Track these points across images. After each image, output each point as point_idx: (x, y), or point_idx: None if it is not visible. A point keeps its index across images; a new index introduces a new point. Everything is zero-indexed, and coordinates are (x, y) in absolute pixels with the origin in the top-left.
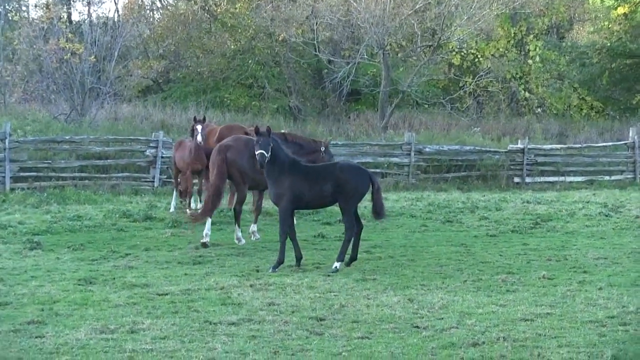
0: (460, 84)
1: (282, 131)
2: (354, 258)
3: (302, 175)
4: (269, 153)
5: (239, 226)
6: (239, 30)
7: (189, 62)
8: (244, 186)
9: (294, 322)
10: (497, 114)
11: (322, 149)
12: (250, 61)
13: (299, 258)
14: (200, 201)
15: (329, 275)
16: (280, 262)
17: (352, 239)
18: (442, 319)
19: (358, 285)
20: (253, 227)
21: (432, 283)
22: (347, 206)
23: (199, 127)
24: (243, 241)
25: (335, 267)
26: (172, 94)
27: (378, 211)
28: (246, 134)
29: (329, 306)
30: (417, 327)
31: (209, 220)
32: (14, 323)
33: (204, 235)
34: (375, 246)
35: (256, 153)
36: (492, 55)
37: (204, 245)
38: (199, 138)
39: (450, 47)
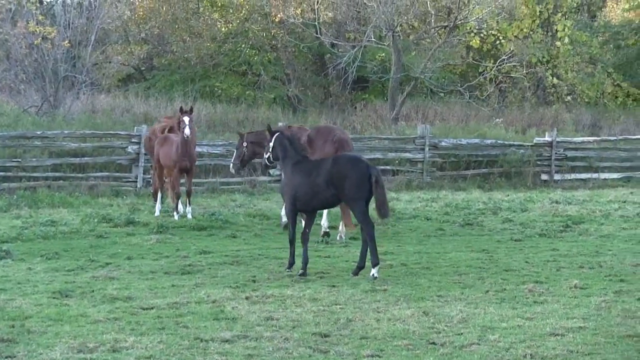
0: (480, 70)
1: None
2: (361, 267)
3: (297, 171)
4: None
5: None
6: (231, 11)
7: (174, 47)
8: None
9: (295, 338)
10: (522, 103)
11: None
12: (243, 45)
13: (291, 263)
14: (189, 203)
15: (334, 286)
16: (291, 263)
17: (362, 245)
18: (462, 334)
19: (367, 296)
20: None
21: (450, 294)
22: (351, 203)
23: (186, 119)
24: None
25: (373, 274)
26: (156, 83)
27: (380, 208)
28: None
29: (335, 321)
30: (434, 343)
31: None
32: None
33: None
34: (386, 252)
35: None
36: (516, 36)
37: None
38: (187, 131)
39: (468, 27)
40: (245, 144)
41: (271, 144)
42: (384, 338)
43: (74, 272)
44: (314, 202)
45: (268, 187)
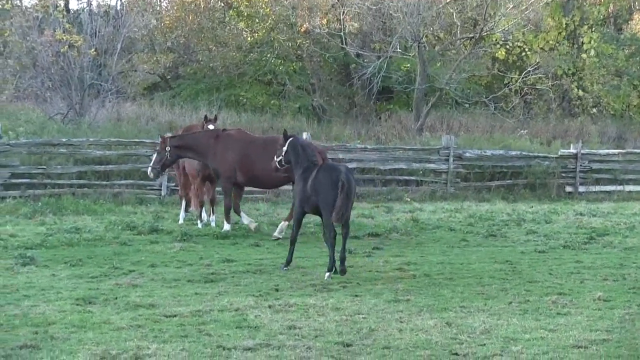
0: (505, 81)
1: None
2: (333, 266)
3: (302, 177)
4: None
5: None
6: (257, 20)
7: (200, 56)
8: None
9: (317, 347)
10: (547, 114)
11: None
12: (269, 55)
13: (288, 261)
14: (213, 212)
15: (356, 296)
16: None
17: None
18: (485, 345)
19: (389, 306)
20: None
21: (473, 305)
22: (322, 208)
23: (210, 128)
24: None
25: (326, 277)
26: (182, 92)
27: (336, 212)
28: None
29: (357, 330)
30: (456, 354)
31: None
32: (5, 347)
33: None
34: (409, 263)
35: None
36: (541, 48)
37: None
38: None
39: (494, 39)
40: (168, 149)
41: (284, 148)
42: (406, 348)
43: (98, 279)
44: (309, 208)
45: (291, 196)
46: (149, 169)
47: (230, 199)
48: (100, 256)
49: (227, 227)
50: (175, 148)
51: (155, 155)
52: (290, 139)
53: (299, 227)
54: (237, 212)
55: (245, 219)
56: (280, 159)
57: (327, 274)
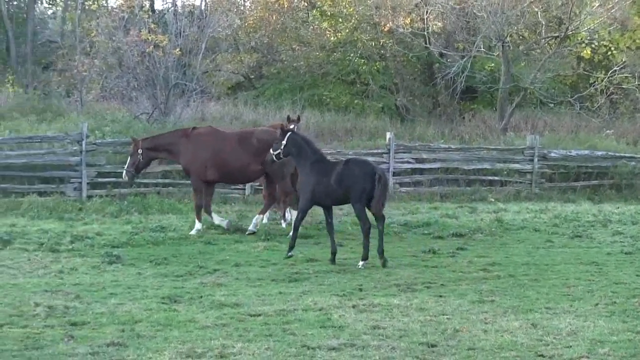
0: (591, 81)
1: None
2: (380, 254)
3: (314, 170)
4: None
5: None
6: (340, 20)
7: (283, 55)
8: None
9: (401, 348)
10: (634, 114)
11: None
12: (352, 55)
13: (291, 247)
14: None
15: (441, 296)
16: (292, 247)
17: (378, 236)
18: (571, 347)
19: (474, 307)
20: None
21: (558, 306)
22: (353, 202)
23: (292, 128)
24: None
25: (359, 266)
26: (265, 92)
27: (375, 204)
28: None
29: (442, 331)
30: (542, 355)
31: None
32: (92, 345)
33: None
34: (493, 264)
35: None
36: (628, 47)
37: None
38: None
39: (580, 38)
40: (140, 151)
41: (283, 142)
42: (491, 349)
43: (183, 278)
44: (329, 200)
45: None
46: (124, 172)
47: (201, 197)
48: (185, 255)
49: (198, 226)
50: (148, 150)
51: (129, 159)
52: (289, 133)
53: (304, 217)
54: (208, 212)
55: (216, 219)
56: (279, 152)
57: (362, 262)
